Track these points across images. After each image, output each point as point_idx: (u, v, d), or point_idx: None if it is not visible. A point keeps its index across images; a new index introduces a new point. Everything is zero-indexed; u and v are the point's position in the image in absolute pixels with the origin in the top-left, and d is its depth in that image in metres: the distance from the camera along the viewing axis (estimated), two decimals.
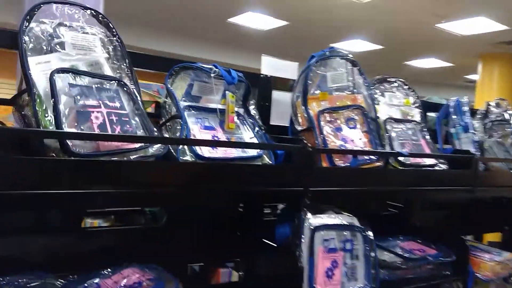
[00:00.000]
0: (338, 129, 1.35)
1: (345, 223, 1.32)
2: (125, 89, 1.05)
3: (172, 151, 1.06)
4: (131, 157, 0.95)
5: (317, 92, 1.36)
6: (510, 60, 7.96)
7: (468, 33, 6.98)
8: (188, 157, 1.06)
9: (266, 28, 7.64)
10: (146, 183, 0.94)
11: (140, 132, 1.01)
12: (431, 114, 2.00)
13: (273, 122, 1.48)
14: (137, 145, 0.96)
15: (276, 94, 1.49)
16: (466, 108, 1.81)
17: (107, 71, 1.06)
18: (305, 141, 1.18)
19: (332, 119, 1.35)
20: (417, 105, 1.73)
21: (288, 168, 1.17)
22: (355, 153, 1.30)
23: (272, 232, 1.28)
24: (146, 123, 1.03)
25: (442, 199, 1.86)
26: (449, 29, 6.87)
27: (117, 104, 1.01)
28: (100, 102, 0.98)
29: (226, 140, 1.17)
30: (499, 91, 7.52)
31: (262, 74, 1.45)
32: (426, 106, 1.80)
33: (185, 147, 1.07)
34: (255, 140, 1.21)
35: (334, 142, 1.31)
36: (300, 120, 1.35)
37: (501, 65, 7.94)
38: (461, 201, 2.03)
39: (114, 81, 1.04)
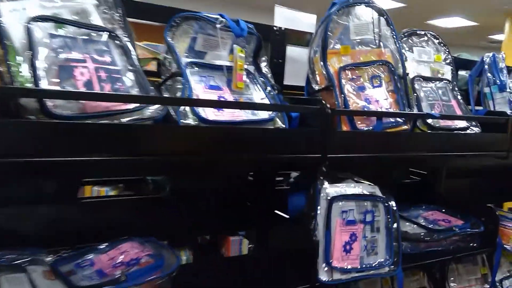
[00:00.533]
0: (361, 88, 1.20)
1: (366, 192, 1.20)
2: (117, 41, 0.92)
3: (172, 113, 0.94)
4: (123, 120, 0.83)
5: (338, 46, 1.20)
6: None
7: None
8: (191, 120, 0.94)
9: None
10: (141, 150, 0.83)
11: (134, 91, 0.88)
12: (461, 73, 1.82)
13: (287, 81, 1.32)
14: (130, 106, 0.84)
15: (291, 50, 1.33)
16: (502, 65, 1.63)
17: (96, 20, 0.92)
18: (323, 102, 1.04)
19: (355, 77, 1.20)
20: (448, 61, 1.56)
21: (304, 132, 1.04)
22: (380, 115, 1.15)
23: (285, 202, 1.16)
24: (141, 81, 0.90)
25: (473, 165, 1.71)
26: None
27: (107, 59, 0.87)
28: (87, 56, 0.85)
29: (234, 101, 1.03)
30: None
31: (275, 26, 1.28)
32: (456, 64, 1.62)
33: (187, 108, 0.94)
34: (266, 101, 1.07)
35: (356, 103, 1.17)
36: (318, 78, 1.20)
37: None
38: (490, 167, 1.89)
39: (104, 32, 0.90)
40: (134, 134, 0.82)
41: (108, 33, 0.91)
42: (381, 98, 1.23)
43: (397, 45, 1.28)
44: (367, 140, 1.12)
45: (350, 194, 1.15)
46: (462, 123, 1.42)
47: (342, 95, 1.15)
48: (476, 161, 1.57)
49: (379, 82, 1.24)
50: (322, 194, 1.11)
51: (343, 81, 1.17)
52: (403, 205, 1.56)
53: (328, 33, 1.17)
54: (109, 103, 0.81)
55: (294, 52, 1.32)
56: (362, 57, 1.23)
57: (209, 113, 0.96)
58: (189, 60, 1.04)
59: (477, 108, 1.71)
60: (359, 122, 1.16)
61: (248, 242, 1.65)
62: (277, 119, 1.05)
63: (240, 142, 0.94)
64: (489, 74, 1.63)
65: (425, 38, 1.54)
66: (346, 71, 1.19)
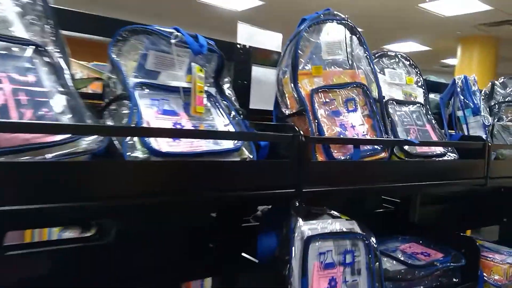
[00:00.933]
0: (336, 112, 1.08)
1: (344, 229, 1.06)
2: (45, 58, 0.74)
3: (117, 144, 0.77)
4: (50, 155, 0.66)
5: (309, 66, 1.08)
6: (490, 43, 7.87)
7: (451, 14, 6.82)
8: (139, 153, 0.77)
9: (240, 9, 7.29)
10: (75, 194, 0.65)
11: (65, 118, 0.71)
12: (431, 95, 1.76)
13: (254, 104, 1.19)
14: (59, 137, 0.67)
15: (257, 70, 1.19)
16: (475, 88, 1.57)
17: (19, 32, 0.75)
18: (296, 129, 0.90)
19: (328, 100, 1.07)
20: (420, 84, 1.48)
21: (275, 164, 0.89)
22: (360, 142, 1.03)
23: (254, 243, 1.00)
24: (75, 106, 0.73)
25: (447, 191, 1.63)
26: (432, 10, 6.69)
27: (31, 79, 0.70)
28: (3, 75, 0.67)
29: (193, 128, 0.88)
30: (478, 76, 7.42)
31: (239, 44, 1.15)
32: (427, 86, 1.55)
33: (135, 138, 0.78)
34: (231, 128, 0.92)
35: (331, 129, 1.04)
36: (288, 101, 1.07)
37: (481, 48, 7.83)
38: (462, 194, 1.82)
39: (28, 47, 0.73)
40: (65, 174, 0.65)
41: (34, 47, 0.73)
42: (357, 123, 1.11)
43: (371, 66, 1.18)
44: (346, 171, 0.99)
45: (328, 232, 1.01)
46: (439, 149, 1.33)
47: (316, 121, 1.02)
48: (458, 188, 1.49)
49: (354, 106, 1.12)
50: (296, 234, 0.97)
51: (316, 104, 1.04)
52: (378, 236, 1.45)
53: (299, 51, 1.05)
54: (30, 135, 0.64)
55: (260, 72, 1.19)
56: (335, 78, 1.11)
57: (163, 144, 0.80)
58: (138, 80, 0.88)
59: (450, 132, 1.64)
60: (335, 151, 1.03)
61: (212, 284, 1.46)
62: (244, 149, 0.90)
63: (200, 177, 0.78)
64: (461, 97, 1.56)
65: (396, 59, 1.46)
66: (319, 94, 1.06)
